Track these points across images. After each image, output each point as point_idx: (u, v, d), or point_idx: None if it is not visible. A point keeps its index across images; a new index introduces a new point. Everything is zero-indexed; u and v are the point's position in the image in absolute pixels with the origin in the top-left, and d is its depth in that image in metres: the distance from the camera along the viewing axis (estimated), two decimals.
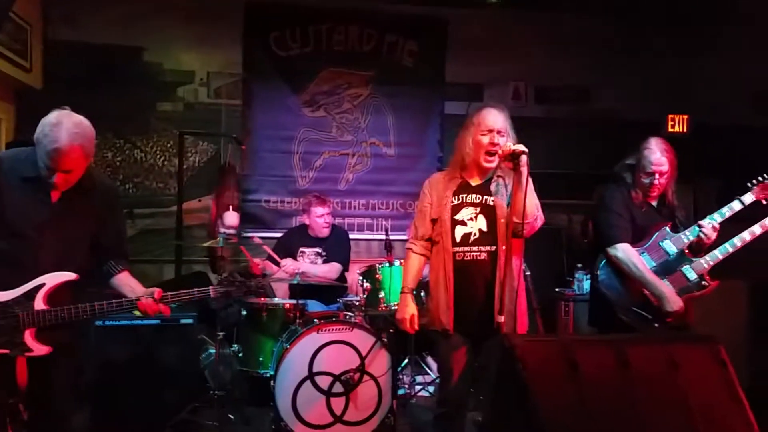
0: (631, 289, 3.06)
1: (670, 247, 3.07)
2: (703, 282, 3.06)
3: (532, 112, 6.02)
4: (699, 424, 1.75)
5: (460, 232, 2.77)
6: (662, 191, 3.16)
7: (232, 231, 4.69)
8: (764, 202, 3.10)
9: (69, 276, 2.40)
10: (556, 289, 4.71)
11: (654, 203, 3.19)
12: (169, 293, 2.54)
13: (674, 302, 2.97)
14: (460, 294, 2.74)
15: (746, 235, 3.04)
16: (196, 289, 2.59)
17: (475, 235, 2.75)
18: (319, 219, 4.44)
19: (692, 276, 3.06)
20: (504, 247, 2.69)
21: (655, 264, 3.08)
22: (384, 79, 5.77)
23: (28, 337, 2.35)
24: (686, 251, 3.08)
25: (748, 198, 3.09)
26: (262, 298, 4.16)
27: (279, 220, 5.52)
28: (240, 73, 5.58)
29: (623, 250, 3.07)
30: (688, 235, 3.05)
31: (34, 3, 5.16)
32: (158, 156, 5.47)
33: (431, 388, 4.45)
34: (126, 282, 2.62)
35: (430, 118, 5.87)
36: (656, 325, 3.00)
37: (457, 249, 2.76)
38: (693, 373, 1.81)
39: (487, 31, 5.84)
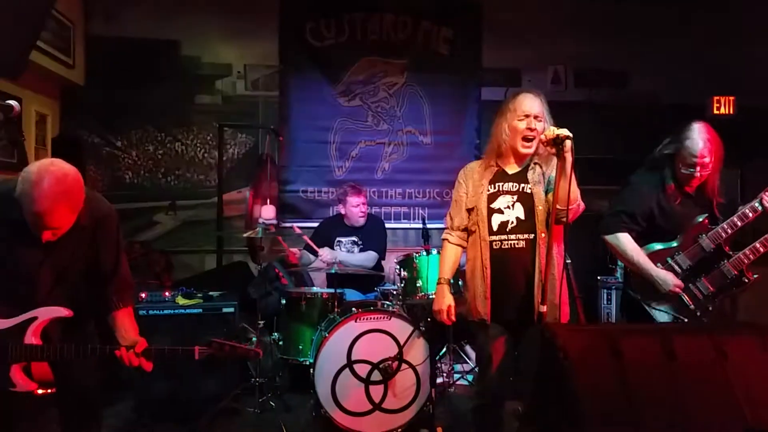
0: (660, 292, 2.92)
1: (707, 244, 2.88)
2: (744, 278, 2.90)
3: (572, 96, 5.91)
4: (745, 412, 1.70)
5: (497, 220, 2.73)
6: (703, 181, 2.91)
7: (270, 223, 4.75)
8: None
9: (61, 312, 2.29)
10: (598, 277, 4.62)
11: (692, 192, 2.95)
12: (153, 347, 2.43)
13: (668, 281, 2.85)
14: (498, 283, 2.71)
15: None
16: (180, 348, 2.48)
17: (512, 223, 2.71)
18: (355, 208, 4.45)
19: (731, 273, 2.89)
20: (544, 235, 2.65)
21: (691, 264, 2.91)
22: (419, 67, 5.73)
23: (15, 371, 2.22)
24: (725, 247, 2.90)
25: None
26: (302, 287, 4.21)
27: (316, 210, 5.56)
28: (276, 64, 5.62)
29: (618, 238, 2.96)
30: (726, 228, 2.84)
31: (76, 1, 5.28)
32: (198, 148, 5.57)
33: (470, 377, 4.43)
34: (121, 324, 2.47)
35: (466, 104, 5.82)
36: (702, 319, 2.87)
37: (494, 238, 2.72)
38: (740, 362, 1.76)
39: (522, 15, 5.74)
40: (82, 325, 2.45)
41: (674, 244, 2.95)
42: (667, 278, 2.89)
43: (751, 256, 2.87)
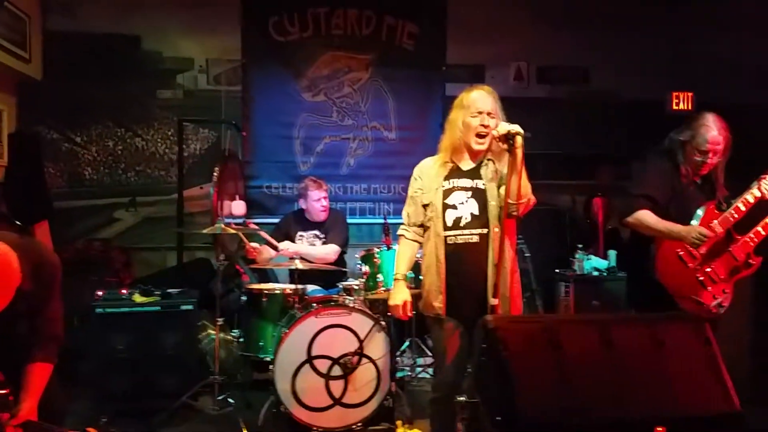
0: (687, 276, 3.02)
1: (718, 227, 3.01)
2: (750, 260, 3.06)
3: (534, 92, 5.96)
4: (680, 400, 1.75)
5: (451, 216, 2.76)
6: (710, 170, 3.09)
7: (240, 220, 4.73)
8: None
9: None
10: (557, 270, 4.70)
11: (698, 180, 3.12)
12: (35, 422, 2.17)
13: (693, 230, 2.96)
14: (453, 278, 2.74)
15: None
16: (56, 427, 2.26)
17: (466, 218, 2.74)
18: (316, 203, 4.44)
19: (740, 255, 3.04)
20: (497, 230, 2.69)
21: (704, 250, 3.04)
22: (384, 62, 5.72)
23: None
24: (732, 231, 3.05)
25: None
26: (262, 284, 4.20)
27: (281, 205, 5.52)
28: (239, 59, 5.56)
29: (638, 216, 3.05)
30: (733, 213, 3.00)
31: None
32: (159, 144, 5.50)
33: (432, 371, 4.47)
34: (29, 378, 2.24)
35: (431, 100, 5.82)
36: (712, 310, 2.99)
37: (448, 233, 2.75)
38: (676, 351, 1.81)
39: (486, 11, 5.77)
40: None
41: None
42: (690, 229, 2.99)
43: (756, 239, 3.04)
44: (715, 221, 3.03)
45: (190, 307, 3.90)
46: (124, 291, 3.99)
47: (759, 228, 3.04)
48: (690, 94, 5.78)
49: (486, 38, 5.83)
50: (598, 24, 5.79)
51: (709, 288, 3.02)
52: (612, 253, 4.68)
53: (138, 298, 3.87)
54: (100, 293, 3.93)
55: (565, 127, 5.72)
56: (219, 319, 3.90)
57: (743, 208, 3.01)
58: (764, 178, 3.00)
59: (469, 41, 5.81)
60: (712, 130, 2.99)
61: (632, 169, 5.09)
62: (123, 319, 3.82)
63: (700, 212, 3.06)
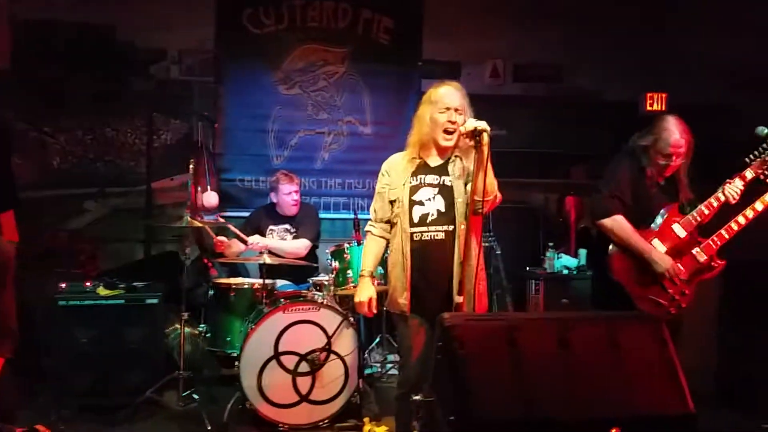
0: (645, 277, 3.04)
1: (680, 230, 3.04)
2: (713, 263, 3.08)
3: (510, 90, 5.95)
4: (635, 400, 1.76)
5: (417, 212, 2.75)
6: (673, 172, 3.11)
7: (212, 212, 4.67)
8: (762, 177, 3.07)
9: None
10: (527, 268, 4.71)
11: (662, 182, 3.15)
12: None
13: (666, 261, 2.98)
14: (419, 275, 2.73)
15: (749, 212, 3.06)
16: None
17: (432, 215, 2.73)
18: (287, 196, 4.40)
19: (702, 258, 3.06)
20: (463, 227, 2.67)
21: (665, 249, 3.06)
22: (360, 57, 5.67)
23: None
24: (695, 234, 3.07)
25: (749, 174, 3.05)
26: (231, 278, 4.15)
27: (254, 199, 5.45)
28: (213, 50, 5.48)
29: (616, 220, 3.05)
30: (696, 216, 3.03)
31: None
32: (129, 134, 5.39)
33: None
34: None
35: (407, 95, 5.78)
36: (671, 311, 3.01)
37: (415, 230, 2.74)
38: (633, 352, 1.81)
39: (463, 7, 5.75)
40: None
41: (654, 228, 3.08)
42: (664, 258, 3.00)
43: (718, 241, 3.07)
44: (679, 224, 3.05)
45: (155, 300, 3.84)
46: (88, 283, 3.92)
47: (722, 231, 3.07)
48: (664, 94, 5.81)
49: (462, 35, 5.80)
50: (575, 23, 5.79)
51: (669, 290, 3.03)
52: (582, 252, 4.71)
53: (102, 291, 3.80)
54: (63, 285, 3.85)
55: (539, 126, 5.73)
56: (184, 314, 3.83)
57: (707, 212, 3.05)
58: (728, 183, 3.04)
59: (445, 37, 5.78)
60: (674, 133, 3.01)
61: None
62: (86, 312, 3.75)
63: (662, 213, 3.09)
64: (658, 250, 3.02)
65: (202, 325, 3.99)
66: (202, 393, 3.85)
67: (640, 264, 3.04)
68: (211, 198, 4.79)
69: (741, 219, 3.05)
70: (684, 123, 3.06)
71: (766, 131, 3.00)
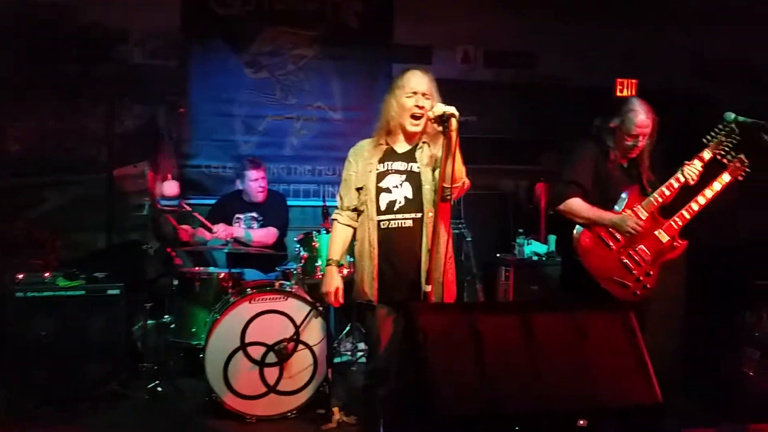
0: (610, 258, 3.03)
1: (642, 212, 3.06)
2: (675, 243, 3.11)
3: (481, 76, 5.90)
4: (602, 391, 1.73)
5: (384, 199, 2.70)
6: (636, 155, 3.12)
7: (172, 201, 4.55)
8: (719, 158, 3.11)
9: None
10: (498, 254, 4.70)
11: (625, 164, 3.16)
12: None
13: (629, 219, 2.99)
14: (386, 264, 2.68)
15: (708, 192, 3.11)
16: None
17: (400, 202, 2.68)
18: (254, 183, 4.31)
19: (665, 238, 3.09)
20: (431, 214, 2.63)
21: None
22: (329, 40, 5.55)
23: None
24: (657, 215, 3.10)
25: (707, 154, 3.09)
26: (196, 268, 4.05)
27: (221, 186, 5.31)
28: (177, 32, 5.31)
29: (570, 202, 3.05)
30: (657, 197, 3.06)
31: None
32: (91, 120, 5.20)
33: None
34: None
35: (377, 80, 5.68)
36: (637, 292, 3.02)
37: (382, 217, 2.69)
38: (600, 342, 1.78)
39: None
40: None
41: (617, 210, 3.07)
42: (625, 217, 3.01)
43: (680, 221, 3.10)
44: (640, 205, 3.07)
45: (116, 291, 3.73)
46: (47, 274, 3.79)
47: (683, 211, 3.11)
48: (634, 81, 5.83)
49: (434, 20, 5.71)
50: (547, 9, 5.75)
51: (634, 270, 3.05)
52: (552, 238, 4.71)
53: (62, 281, 3.68)
54: (20, 276, 3.71)
55: (510, 112, 5.70)
56: (147, 304, 3.74)
57: (668, 193, 3.08)
58: (687, 165, 3.09)
59: (416, 22, 5.69)
60: (640, 114, 3.03)
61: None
62: (46, 303, 3.63)
63: (624, 196, 3.10)
64: (615, 212, 3.03)
65: (167, 316, 3.89)
66: (168, 385, 3.77)
67: (605, 244, 3.04)
68: (171, 187, 4.67)
69: (701, 199, 3.10)
70: (648, 104, 3.08)
71: (733, 116, 3.01)
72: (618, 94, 5.81)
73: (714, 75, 5.86)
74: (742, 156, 3.13)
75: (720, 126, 3.08)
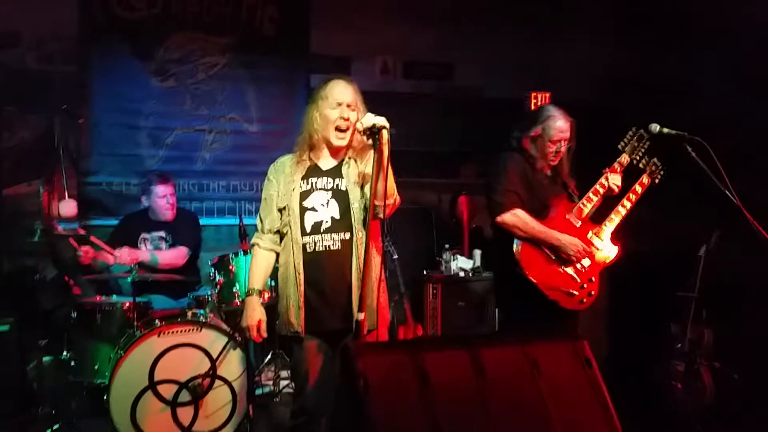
0: (552, 269, 2.99)
1: (575, 219, 3.06)
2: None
3: (400, 87, 5.81)
4: (560, 429, 1.60)
5: (310, 219, 2.48)
6: (557, 162, 3.13)
7: (71, 223, 4.13)
8: (635, 162, 3.20)
9: None
10: (425, 271, 4.57)
11: (549, 173, 3.15)
12: None
13: (572, 245, 2.97)
14: (313, 290, 2.47)
15: (632, 195, 3.19)
16: None
17: (327, 222, 2.48)
18: (161, 200, 3.97)
19: (599, 243, 3.09)
20: (361, 234, 2.44)
21: None
22: (243, 48, 5.25)
23: None
24: (587, 222, 3.11)
25: (624, 159, 3.16)
26: (97, 297, 3.65)
27: (124, 205, 4.86)
28: (76, 35, 4.86)
29: (516, 214, 2.98)
30: (585, 202, 3.08)
31: None
32: None
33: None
34: None
35: (295, 91, 5.45)
36: (583, 300, 3.01)
37: (307, 239, 2.47)
38: (555, 376, 1.66)
39: (352, 1, 5.51)
40: None
41: (550, 220, 3.05)
42: (573, 240, 2.99)
43: (611, 226, 3.15)
44: (570, 214, 3.08)
45: (5, 327, 3.29)
46: None
47: (612, 215, 3.17)
48: (548, 94, 5.90)
49: (352, 29, 5.56)
50: (465, 20, 5.74)
51: (578, 277, 3.03)
52: (477, 253, 4.64)
53: None
54: None
55: (430, 124, 5.63)
56: (42, 341, 3.32)
57: (595, 198, 3.12)
58: (607, 171, 3.15)
59: (334, 31, 5.52)
60: (559, 119, 3.06)
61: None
62: None
63: (554, 205, 3.10)
64: (564, 234, 3.01)
65: (66, 353, 3.48)
66: (68, 430, 3.36)
67: (547, 256, 3.00)
68: (68, 207, 4.24)
69: (626, 202, 3.18)
70: (564, 109, 3.12)
71: (658, 128, 3.02)
72: (532, 107, 5.87)
73: (623, 89, 6.04)
74: (655, 159, 3.26)
75: (630, 133, 3.16)
